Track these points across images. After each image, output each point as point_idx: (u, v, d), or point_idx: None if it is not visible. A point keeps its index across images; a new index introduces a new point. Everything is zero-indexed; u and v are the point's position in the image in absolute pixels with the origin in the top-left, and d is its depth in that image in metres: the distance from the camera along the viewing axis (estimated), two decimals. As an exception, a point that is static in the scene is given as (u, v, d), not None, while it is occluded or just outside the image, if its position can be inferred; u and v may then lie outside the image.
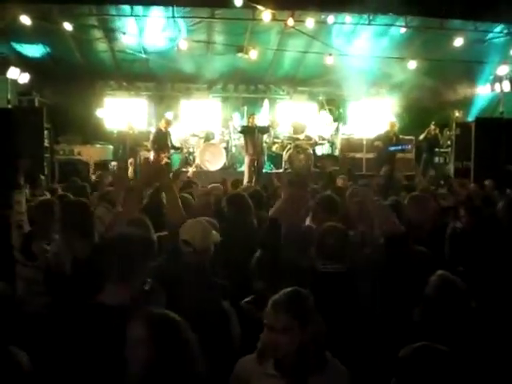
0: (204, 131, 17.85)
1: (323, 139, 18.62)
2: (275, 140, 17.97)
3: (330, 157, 18.21)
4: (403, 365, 2.36)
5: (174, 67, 17.47)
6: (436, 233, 5.52)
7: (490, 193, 9.99)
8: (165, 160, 15.48)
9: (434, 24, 15.43)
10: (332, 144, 18.69)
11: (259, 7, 14.09)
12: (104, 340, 2.75)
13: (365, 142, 17.88)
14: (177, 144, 16.95)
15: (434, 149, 17.59)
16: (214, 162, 16.85)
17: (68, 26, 14.57)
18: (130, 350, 2.61)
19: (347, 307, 3.81)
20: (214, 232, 4.29)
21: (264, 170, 16.24)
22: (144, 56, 17.12)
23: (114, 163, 16.74)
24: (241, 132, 16.42)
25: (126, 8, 14.70)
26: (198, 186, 9.29)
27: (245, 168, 15.76)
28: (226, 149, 17.39)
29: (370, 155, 17.37)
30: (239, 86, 19.70)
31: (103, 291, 3.15)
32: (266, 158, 16.69)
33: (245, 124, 16.76)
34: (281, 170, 17.26)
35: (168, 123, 16.16)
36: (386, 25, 15.75)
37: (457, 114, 18.82)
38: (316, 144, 18.26)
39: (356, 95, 19.01)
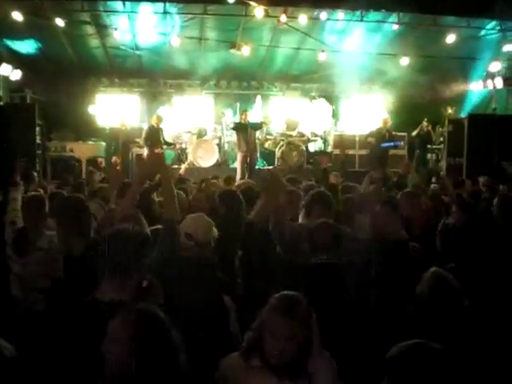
0: (196, 127, 17.83)
1: (316, 136, 18.64)
2: (268, 137, 17.97)
3: (322, 153, 18.21)
4: (395, 363, 2.35)
5: (166, 63, 17.46)
6: (430, 229, 5.53)
7: (478, 188, 10.02)
8: (159, 151, 15.48)
9: (426, 20, 15.45)
10: (325, 140, 18.70)
11: (252, 3, 14.07)
12: (95, 336, 2.74)
13: (358, 139, 17.93)
14: (169, 140, 16.94)
15: (426, 145, 17.62)
16: (207, 159, 16.84)
17: (60, 22, 14.51)
18: (108, 345, 2.57)
19: (338, 298, 3.80)
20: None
21: (256, 167, 16.23)
22: (136, 52, 17.09)
23: (100, 159, 16.68)
24: (233, 129, 16.40)
25: (119, 4, 14.67)
26: (190, 183, 9.29)
27: (237, 165, 15.76)
28: (219, 145, 17.39)
29: (363, 152, 17.41)
30: (232, 82, 19.65)
31: (98, 288, 3.14)
32: (258, 154, 16.68)
33: (237, 120, 16.75)
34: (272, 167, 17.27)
35: (160, 119, 16.13)
36: (379, 21, 15.76)
37: (449, 110, 18.82)
38: (309, 140, 18.28)
39: (349, 92, 19.01)
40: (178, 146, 17.49)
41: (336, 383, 3.06)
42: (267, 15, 14.67)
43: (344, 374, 3.11)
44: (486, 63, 17.47)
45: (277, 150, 17.48)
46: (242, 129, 15.72)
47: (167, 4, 14.45)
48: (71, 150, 17.17)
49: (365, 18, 15.41)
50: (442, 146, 18.33)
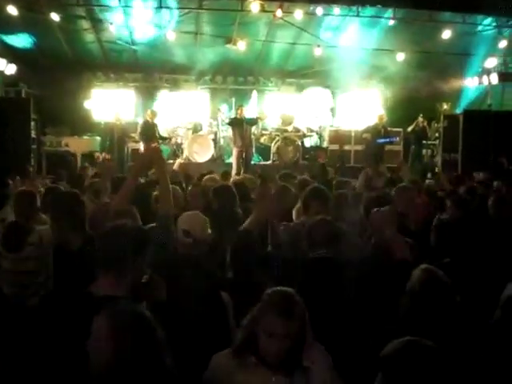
0: (192, 122, 17.84)
1: (311, 131, 18.64)
2: (263, 132, 17.98)
3: (319, 148, 18.22)
4: (388, 360, 2.36)
5: (161, 58, 17.43)
6: (426, 224, 5.54)
7: (473, 184, 10.03)
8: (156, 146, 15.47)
9: (422, 16, 15.45)
10: (320, 136, 18.71)
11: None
12: (87, 331, 2.74)
13: (353, 134, 17.93)
14: (165, 135, 16.95)
15: (421, 141, 17.63)
16: (202, 154, 16.85)
17: (55, 17, 14.48)
18: (92, 344, 2.55)
19: (334, 292, 3.80)
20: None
21: (252, 162, 16.22)
22: (132, 47, 17.06)
23: (97, 154, 16.64)
24: (229, 124, 16.39)
25: (114, -2, 14.66)
26: (183, 178, 9.29)
27: (233, 160, 15.75)
28: (214, 140, 17.39)
29: (359, 147, 17.42)
30: (228, 77, 19.61)
31: (94, 282, 3.14)
32: (254, 149, 16.67)
33: (233, 116, 16.74)
34: (269, 162, 17.30)
35: (154, 114, 16.12)
36: (375, 16, 15.74)
37: (445, 106, 18.85)
38: (304, 136, 18.28)
39: (344, 87, 19.00)
40: (173, 141, 17.47)
41: (333, 376, 3.06)
42: (263, 10, 14.67)
43: (338, 368, 3.12)
44: (481, 59, 17.50)
45: (272, 145, 17.49)
46: (238, 124, 15.71)
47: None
48: (66, 145, 17.15)
49: (361, 14, 15.39)
50: (437, 141, 18.34)
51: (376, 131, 15.83)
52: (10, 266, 4.32)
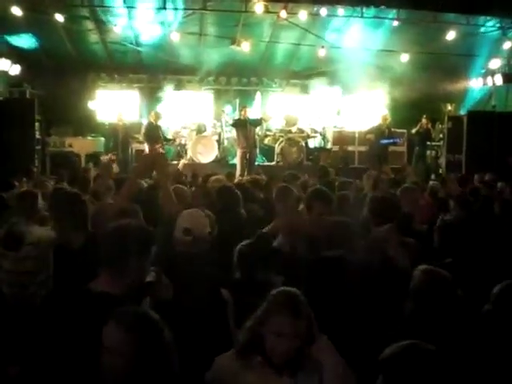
0: (196, 123, 17.82)
1: (315, 132, 18.62)
2: (267, 133, 17.96)
3: (322, 149, 18.22)
4: (389, 363, 2.35)
5: (166, 59, 17.44)
6: (430, 225, 5.54)
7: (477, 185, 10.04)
8: (160, 151, 15.51)
9: (426, 17, 15.43)
10: (324, 137, 18.70)
11: (252, -2, 14.10)
12: (85, 326, 2.75)
13: (357, 135, 17.91)
14: (169, 136, 16.98)
15: (426, 142, 17.59)
16: (206, 155, 16.85)
17: (59, 18, 14.52)
18: (106, 355, 2.55)
19: (349, 291, 3.79)
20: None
21: (256, 163, 16.21)
22: (136, 48, 17.07)
23: (103, 157, 16.65)
24: (233, 125, 16.37)
25: (118, -1, 14.68)
26: (187, 178, 9.31)
27: (237, 161, 15.74)
28: (218, 141, 17.38)
29: (363, 148, 17.40)
30: (231, 78, 19.62)
31: (94, 279, 3.15)
32: (258, 150, 16.65)
33: (237, 117, 16.73)
34: (273, 163, 17.29)
35: (158, 116, 16.09)
36: (379, 17, 15.73)
37: (449, 107, 18.83)
38: (308, 137, 18.26)
39: (348, 88, 18.98)
40: (177, 142, 17.49)
41: (345, 371, 3.05)
42: (267, 11, 14.67)
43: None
44: (485, 60, 17.49)
45: (276, 146, 17.48)
46: (242, 125, 15.69)
47: (167, -1, 14.46)
48: (70, 146, 17.16)
49: (365, 14, 15.39)
50: (441, 142, 18.32)
51: (380, 132, 15.81)
52: (9, 265, 4.33)
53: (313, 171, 12.03)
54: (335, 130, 18.46)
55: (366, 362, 2.95)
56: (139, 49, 17.22)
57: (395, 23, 15.63)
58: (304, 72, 19.47)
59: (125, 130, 16.32)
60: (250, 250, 4.35)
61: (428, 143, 17.78)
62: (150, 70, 18.86)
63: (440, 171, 17.49)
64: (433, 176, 15.84)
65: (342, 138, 18.10)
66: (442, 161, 17.76)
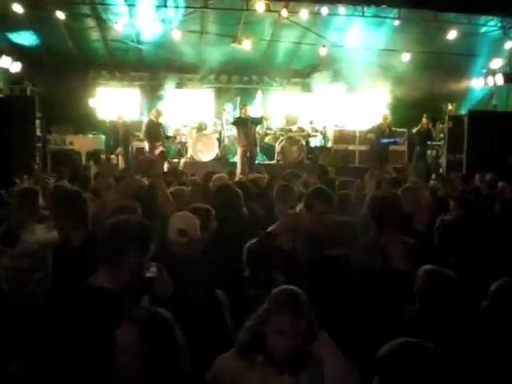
0: (197, 121, 17.81)
1: (316, 131, 18.62)
2: (268, 131, 17.95)
3: (323, 148, 18.22)
4: (384, 362, 2.34)
5: (167, 57, 17.43)
6: (431, 225, 5.54)
7: (479, 184, 10.05)
8: (160, 149, 15.53)
9: (427, 16, 15.42)
10: (324, 136, 18.69)
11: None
12: (83, 320, 2.76)
13: (358, 134, 17.90)
14: (169, 134, 16.99)
15: (426, 142, 17.59)
16: (207, 153, 16.84)
17: (60, 15, 14.52)
18: (119, 356, 2.55)
19: (352, 290, 3.79)
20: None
21: (256, 161, 16.21)
22: (137, 46, 17.07)
23: (109, 154, 16.67)
24: (233, 123, 16.36)
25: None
26: (187, 176, 9.31)
27: (237, 159, 15.74)
28: (219, 139, 17.37)
29: (363, 147, 17.40)
30: (232, 76, 19.61)
31: (94, 274, 3.16)
32: (258, 149, 16.65)
33: (237, 115, 16.73)
34: (273, 162, 17.28)
35: (159, 113, 16.11)
36: (380, 17, 15.73)
37: (450, 106, 18.84)
38: (309, 136, 18.26)
39: (349, 87, 18.98)
40: (178, 140, 17.49)
41: (347, 367, 3.06)
42: (268, 9, 14.68)
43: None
44: (486, 60, 17.48)
45: (277, 144, 17.47)
46: (242, 123, 15.69)
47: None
48: (71, 143, 17.19)
49: (366, 14, 15.38)
50: (442, 142, 18.33)
51: (380, 131, 15.81)
52: (7, 262, 4.31)
53: (312, 170, 12.05)
54: (336, 128, 18.45)
55: (367, 361, 2.95)
56: (140, 47, 17.22)
57: (396, 22, 15.62)
58: (305, 71, 19.46)
59: (125, 127, 16.32)
60: (259, 249, 4.35)
61: (429, 143, 17.79)
62: (151, 68, 18.86)
63: (440, 171, 17.50)
64: (433, 176, 15.84)
65: (342, 137, 18.10)
66: (443, 160, 17.75)
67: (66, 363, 2.79)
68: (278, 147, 17.39)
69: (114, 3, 14.98)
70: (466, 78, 18.79)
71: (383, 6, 15.05)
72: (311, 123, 18.67)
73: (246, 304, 3.26)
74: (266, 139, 17.86)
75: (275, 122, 18.27)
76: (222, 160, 17.00)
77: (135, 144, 16.81)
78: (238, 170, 14.49)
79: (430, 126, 17.41)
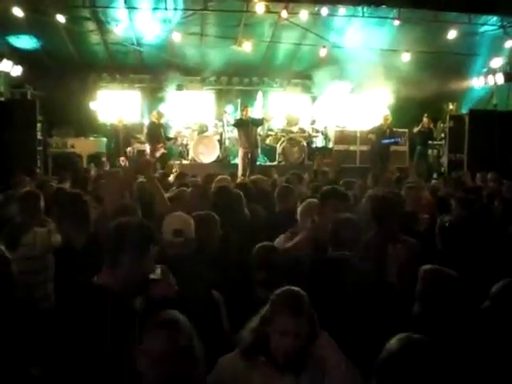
0: (197, 123, 17.83)
1: (317, 132, 18.62)
2: (269, 132, 17.96)
3: (324, 149, 18.21)
4: (382, 358, 2.35)
5: (167, 59, 17.44)
6: (432, 224, 5.54)
7: (480, 184, 10.04)
8: (161, 151, 15.55)
9: (427, 16, 15.42)
10: (325, 136, 18.69)
11: (253, -2, 14.09)
12: (85, 319, 2.78)
13: (359, 135, 17.89)
14: (171, 135, 17.02)
15: (427, 141, 17.60)
16: (208, 155, 16.85)
17: (61, 18, 14.53)
18: (148, 361, 2.61)
19: (355, 291, 3.79)
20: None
21: (258, 163, 16.22)
22: (137, 48, 17.08)
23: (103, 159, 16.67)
24: (234, 125, 16.38)
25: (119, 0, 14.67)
26: (188, 177, 9.31)
27: (239, 161, 15.75)
28: (220, 141, 17.37)
29: (364, 148, 17.39)
30: (233, 78, 19.62)
31: (98, 274, 3.18)
32: (259, 150, 16.65)
33: (238, 117, 16.74)
34: (275, 163, 17.28)
35: (160, 115, 16.14)
36: (380, 17, 15.72)
37: (450, 106, 18.84)
38: (310, 136, 18.26)
39: (350, 87, 18.98)
40: (179, 142, 17.50)
41: (348, 367, 3.07)
42: (268, 11, 14.67)
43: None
44: (487, 59, 17.47)
45: (278, 145, 17.48)
46: (243, 125, 15.71)
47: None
48: (72, 146, 17.19)
49: (366, 14, 15.39)
50: (443, 141, 18.32)
51: (381, 132, 15.82)
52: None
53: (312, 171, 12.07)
54: (337, 129, 18.45)
55: (368, 361, 2.96)
56: (140, 49, 17.23)
57: (396, 23, 15.61)
58: (305, 71, 19.47)
59: (125, 130, 16.35)
60: (269, 252, 4.37)
61: (430, 142, 17.80)
62: (152, 71, 18.87)
63: (442, 170, 17.49)
64: (435, 175, 15.84)
65: (343, 138, 18.09)
66: (444, 160, 17.74)
67: (78, 364, 2.82)
68: (279, 148, 17.40)
69: (114, 6, 14.99)
70: (466, 77, 18.77)
71: (383, 6, 15.04)
72: (313, 123, 18.69)
73: (255, 305, 3.27)
74: (267, 140, 17.88)
75: (276, 123, 18.28)
76: (224, 162, 17.01)
77: (136, 146, 16.82)
78: (239, 172, 14.50)
79: (431, 125, 17.42)
